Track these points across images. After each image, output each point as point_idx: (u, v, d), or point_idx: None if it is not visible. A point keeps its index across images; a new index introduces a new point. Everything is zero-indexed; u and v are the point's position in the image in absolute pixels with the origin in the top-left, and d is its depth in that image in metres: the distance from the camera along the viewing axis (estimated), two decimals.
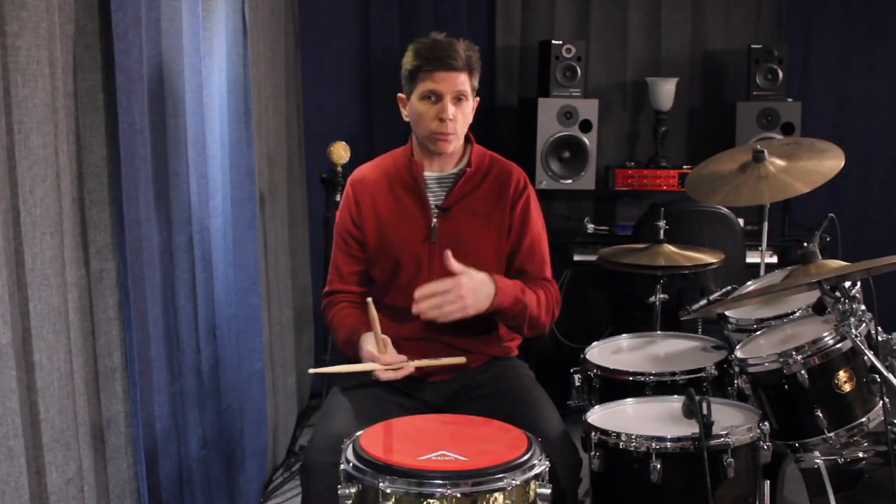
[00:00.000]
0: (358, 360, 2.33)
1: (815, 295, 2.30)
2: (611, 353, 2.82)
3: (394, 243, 2.46)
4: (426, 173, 2.48)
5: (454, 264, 2.24)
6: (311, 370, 2.28)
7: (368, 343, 2.30)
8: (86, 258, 1.96)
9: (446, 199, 2.47)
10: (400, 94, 2.47)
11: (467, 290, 2.24)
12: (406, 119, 2.47)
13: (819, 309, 2.27)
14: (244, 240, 2.98)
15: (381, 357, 2.26)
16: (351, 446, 1.99)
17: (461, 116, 2.40)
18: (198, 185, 2.54)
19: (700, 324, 3.30)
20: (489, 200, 2.48)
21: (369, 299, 2.26)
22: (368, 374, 2.30)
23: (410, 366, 2.28)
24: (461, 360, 2.37)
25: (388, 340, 2.30)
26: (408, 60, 2.40)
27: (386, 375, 2.26)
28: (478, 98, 2.47)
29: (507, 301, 2.32)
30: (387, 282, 2.48)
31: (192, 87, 2.45)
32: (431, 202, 2.47)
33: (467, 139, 2.52)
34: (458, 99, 2.38)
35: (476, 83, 2.43)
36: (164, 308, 2.30)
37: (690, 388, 2.32)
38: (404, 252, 2.45)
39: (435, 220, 2.46)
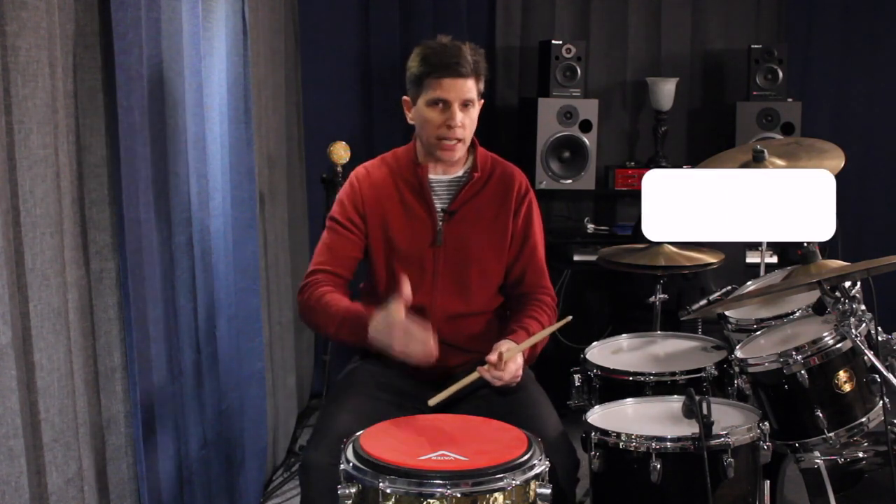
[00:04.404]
0: (355, 345, 2.34)
1: (815, 295, 2.30)
2: (611, 353, 2.82)
3: (399, 245, 2.45)
4: (431, 176, 2.48)
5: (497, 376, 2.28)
6: (432, 402, 2.20)
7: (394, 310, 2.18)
8: (86, 258, 1.96)
9: (452, 202, 2.46)
10: (405, 97, 2.46)
11: (517, 367, 2.31)
12: (411, 122, 2.46)
13: (819, 309, 2.27)
14: (244, 240, 2.98)
15: (431, 346, 2.16)
16: (351, 446, 1.99)
17: (468, 122, 2.40)
18: (198, 185, 2.54)
19: (700, 324, 3.30)
20: (493, 204, 2.48)
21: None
22: (367, 374, 2.29)
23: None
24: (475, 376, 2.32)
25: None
26: (414, 65, 2.39)
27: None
28: (482, 100, 2.46)
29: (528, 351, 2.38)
30: (389, 283, 2.47)
31: (192, 87, 2.45)
32: (437, 205, 2.47)
33: (471, 142, 2.52)
34: (466, 105, 2.38)
35: (482, 87, 2.43)
36: (164, 308, 2.30)
37: (690, 388, 2.32)
38: (409, 255, 2.44)
39: (441, 223, 2.46)
